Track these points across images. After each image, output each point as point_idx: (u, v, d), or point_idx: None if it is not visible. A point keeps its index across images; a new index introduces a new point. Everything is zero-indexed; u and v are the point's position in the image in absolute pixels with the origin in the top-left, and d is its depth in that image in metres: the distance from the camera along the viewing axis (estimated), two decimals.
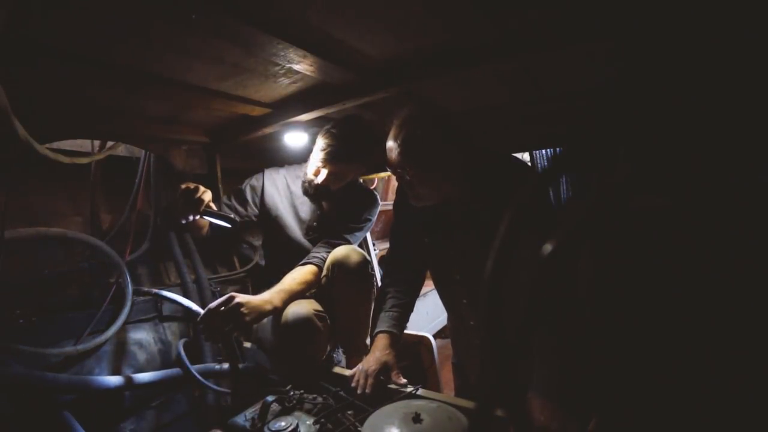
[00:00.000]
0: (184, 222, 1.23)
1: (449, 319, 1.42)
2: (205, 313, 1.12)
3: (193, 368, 1.28)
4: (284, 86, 1.12)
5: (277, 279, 1.33)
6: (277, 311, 1.27)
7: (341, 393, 1.09)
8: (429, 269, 1.33)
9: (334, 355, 1.56)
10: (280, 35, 0.81)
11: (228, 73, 1.01)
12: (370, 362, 1.11)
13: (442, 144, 1.03)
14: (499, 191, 1.01)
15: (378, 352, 1.14)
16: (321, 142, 1.38)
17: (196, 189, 1.22)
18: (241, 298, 1.15)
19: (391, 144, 1.06)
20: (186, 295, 1.45)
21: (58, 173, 1.24)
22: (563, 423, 0.86)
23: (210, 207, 1.24)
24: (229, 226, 1.28)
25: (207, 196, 1.24)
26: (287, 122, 1.32)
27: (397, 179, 1.14)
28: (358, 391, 1.06)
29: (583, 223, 0.30)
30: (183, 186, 1.21)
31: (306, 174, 1.47)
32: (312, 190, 1.46)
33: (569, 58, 0.95)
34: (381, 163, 1.72)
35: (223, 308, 1.12)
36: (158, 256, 1.54)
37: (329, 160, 1.37)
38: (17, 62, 0.80)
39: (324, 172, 1.40)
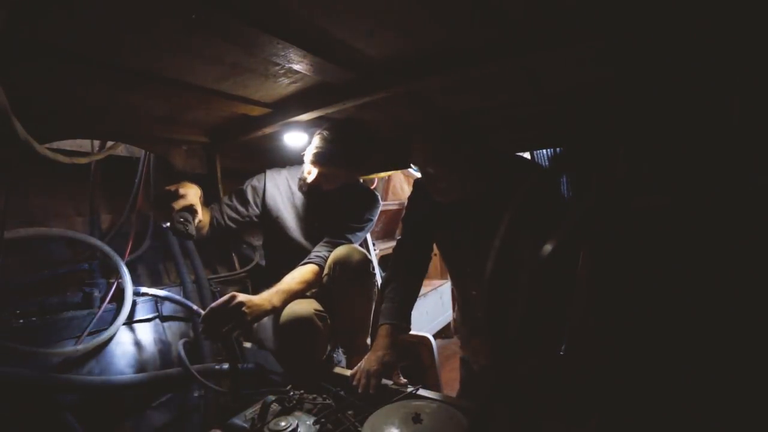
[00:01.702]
0: (164, 227, 1.22)
1: (458, 308, 1.45)
2: (206, 313, 1.12)
3: (193, 368, 1.28)
4: (284, 86, 1.12)
5: (278, 279, 1.33)
6: (277, 310, 1.27)
7: (341, 393, 1.09)
8: (446, 258, 1.39)
9: (334, 355, 1.56)
10: (280, 35, 0.81)
11: (228, 73, 1.01)
12: (372, 362, 1.11)
13: (463, 145, 1.10)
14: (509, 190, 1.05)
15: (380, 351, 1.14)
16: (313, 143, 1.40)
17: (174, 194, 1.19)
18: (242, 297, 1.15)
19: (418, 144, 1.14)
20: (186, 295, 1.46)
21: (58, 173, 1.24)
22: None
23: (183, 214, 1.19)
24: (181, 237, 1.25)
25: (181, 202, 1.19)
26: (287, 122, 1.32)
27: (422, 175, 1.21)
28: (360, 391, 1.06)
29: (583, 223, 0.30)
30: (165, 188, 1.20)
31: (302, 173, 1.48)
32: (305, 189, 1.48)
33: (570, 57, 0.94)
34: (379, 164, 1.73)
35: (224, 307, 1.12)
36: (158, 256, 1.54)
37: (318, 161, 1.38)
38: (17, 62, 0.80)
39: (314, 172, 1.40)
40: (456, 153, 1.10)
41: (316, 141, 1.38)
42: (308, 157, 1.41)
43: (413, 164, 1.21)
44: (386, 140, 1.59)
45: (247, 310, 1.14)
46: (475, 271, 1.20)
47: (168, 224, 1.20)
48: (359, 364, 1.13)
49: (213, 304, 1.13)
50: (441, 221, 1.26)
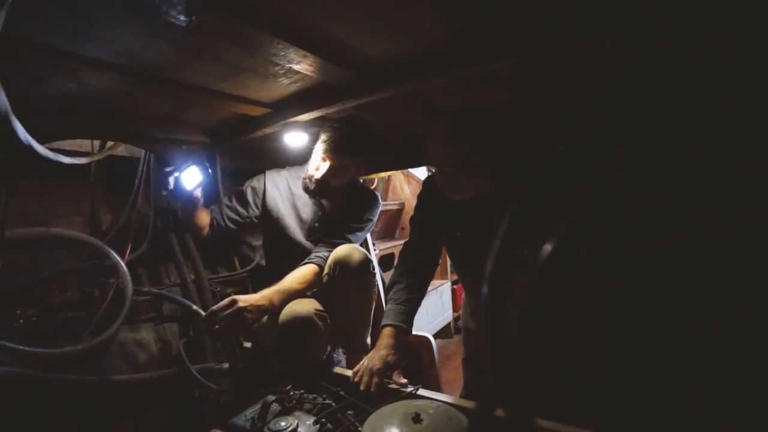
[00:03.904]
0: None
1: (467, 311, 1.43)
2: (206, 316, 1.13)
3: (193, 368, 1.28)
4: (284, 86, 1.12)
5: (278, 279, 1.33)
6: (277, 309, 1.27)
7: (341, 393, 1.09)
8: (456, 262, 1.36)
9: (334, 355, 1.56)
10: (281, 35, 0.81)
11: (228, 73, 1.01)
12: (375, 360, 1.10)
13: (485, 138, 1.08)
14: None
15: (384, 350, 1.13)
16: (323, 136, 1.39)
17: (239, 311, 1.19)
18: (242, 302, 1.15)
19: (436, 141, 1.10)
20: (186, 296, 1.45)
21: (58, 173, 1.24)
22: None
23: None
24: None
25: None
26: (287, 122, 1.32)
27: (438, 173, 1.16)
28: (362, 389, 1.06)
29: (583, 223, 0.30)
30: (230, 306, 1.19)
31: (307, 171, 1.47)
32: (313, 186, 1.45)
33: (570, 57, 0.95)
34: (381, 162, 1.73)
35: (224, 312, 1.13)
36: (158, 256, 1.54)
37: (331, 151, 1.37)
38: (17, 62, 0.80)
39: (325, 166, 1.40)
40: (481, 147, 1.08)
41: (326, 134, 1.38)
42: (319, 150, 1.40)
43: (429, 163, 1.15)
44: (387, 140, 1.58)
45: (247, 314, 1.15)
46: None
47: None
48: (362, 362, 1.13)
49: (214, 308, 1.15)
50: (453, 220, 1.23)
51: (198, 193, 1.38)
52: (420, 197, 1.36)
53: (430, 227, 1.30)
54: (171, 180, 1.33)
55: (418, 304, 1.28)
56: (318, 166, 1.41)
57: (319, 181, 1.42)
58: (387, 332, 1.18)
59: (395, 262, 2.85)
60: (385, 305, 1.27)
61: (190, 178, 1.33)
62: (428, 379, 1.77)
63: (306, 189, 1.48)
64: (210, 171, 1.32)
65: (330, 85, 1.10)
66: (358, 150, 1.38)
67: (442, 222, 1.26)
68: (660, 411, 0.81)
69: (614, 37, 0.78)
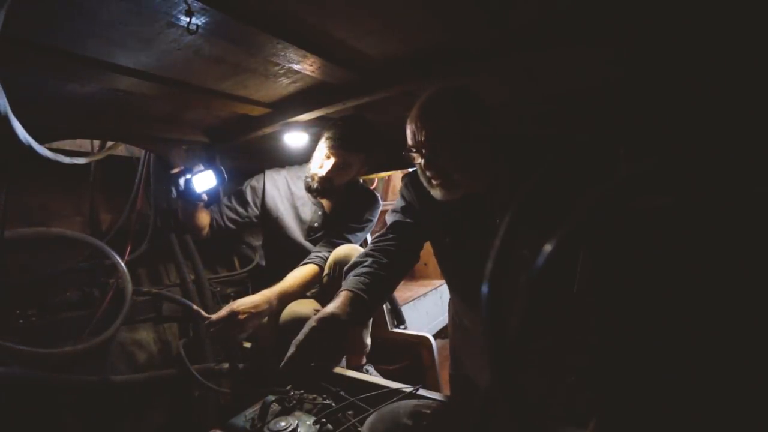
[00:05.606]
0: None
1: (455, 322, 1.32)
2: (205, 325, 1.16)
3: (193, 368, 1.28)
4: (284, 86, 1.12)
5: (278, 279, 1.33)
6: (275, 310, 1.27)
7: (341, 393, 1.09)
8: (448, 268, 1.22)
9: None
10: (280, 35, 0.81)
11: (228, 73, 1.01)
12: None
13: (476, 122, 0.94)
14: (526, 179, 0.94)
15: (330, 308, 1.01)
16: (327, 134, 1.39)
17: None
18: (242, 312, 1.18)
19: (416, 124, 0.95)
20: (186, 296, 1.45)
21: (58, 173, 1.24)
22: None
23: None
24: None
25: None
26: (287, 122, 1.32)
27: (425, 166, 0.98)
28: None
29: (584, 223, 0.30)
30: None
31: (309, 170, 1.47)
32: (316, 184, 1.44)
33: (570, 58, 0.95)
34: (381, 162, 1.73)
35: (221, 324, 1.14)
36: (158, 256, 1.54)
37: (336, 147, 1.37)
38: (16, 62, 0.80)
39: (329, 163, 1.39)
40: (474, 131, 0.94)
41: (331, 131, 1.38)
42: (323, 147, 1.40)
43: (413, 151, 0.97)
44: (387, 140, 1.59)
45: (248, 323, 1.17)
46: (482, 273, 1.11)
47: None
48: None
49: (212, 320, 1.17)
50: (442, 224, 1.12)
51: (205, 196, 1.37)
52: (402, 196, 1.20)
53: (411, 230, 1.16)
54: (181, 181, 1.32)
55: (382, 290, 1.11)
56: (322, 163, 1.41)
57: (323, 179, 1.41)
58: (341, 294, 1.05)
59: None
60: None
61: (203, 181, 1.32)
62: (428, 379, 1.77)
63: (309, 188, 1.48)
64: (226, 177, 1.31)
65: (330, 85, 1.10)
66: (363, 146, 1.39)
67: (429, 226, 1.15)
68: (659, 411, 0.81)
69: (621, 41, 0.78)
